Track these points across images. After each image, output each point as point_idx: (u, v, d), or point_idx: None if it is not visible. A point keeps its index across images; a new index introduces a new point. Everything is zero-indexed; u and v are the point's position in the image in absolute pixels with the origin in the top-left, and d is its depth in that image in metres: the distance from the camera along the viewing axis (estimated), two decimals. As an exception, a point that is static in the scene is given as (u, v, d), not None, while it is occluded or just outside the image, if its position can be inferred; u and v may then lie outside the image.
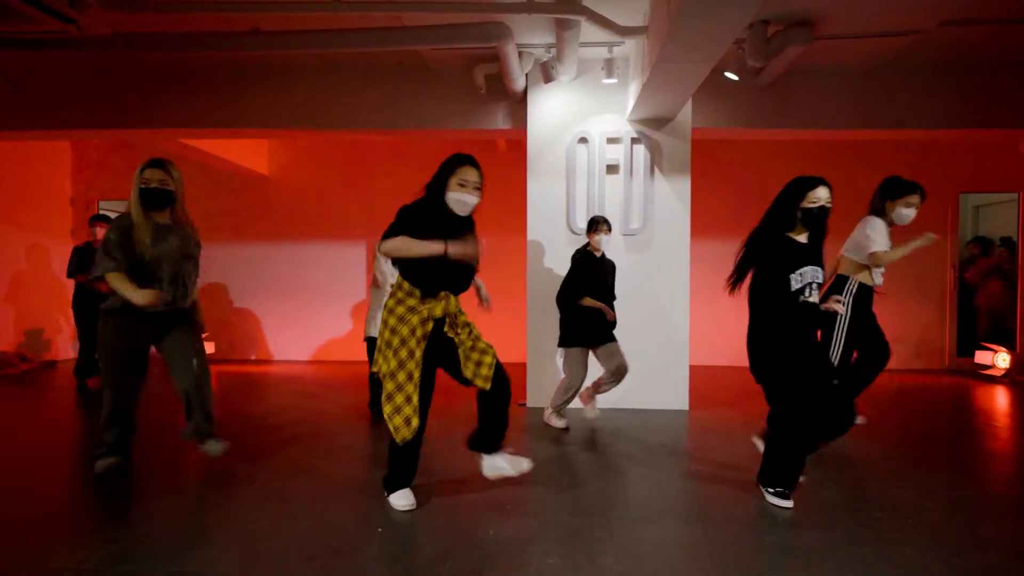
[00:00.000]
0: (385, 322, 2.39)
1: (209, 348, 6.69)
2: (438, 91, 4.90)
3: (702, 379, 5.56)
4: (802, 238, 2.56)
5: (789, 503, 2.52)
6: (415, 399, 2.36)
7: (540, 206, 4.61)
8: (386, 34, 3.73)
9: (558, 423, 3.89)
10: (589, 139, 4.54)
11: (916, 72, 4.74)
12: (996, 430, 4.05)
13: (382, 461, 2.63)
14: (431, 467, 2.93)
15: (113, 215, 6.74)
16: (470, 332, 2.49)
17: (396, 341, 2.34)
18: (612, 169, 4.55)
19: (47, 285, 6.75)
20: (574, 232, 4.55)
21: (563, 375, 3.85)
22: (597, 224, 3.72)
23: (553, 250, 4.56)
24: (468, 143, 6.27)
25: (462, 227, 2.43)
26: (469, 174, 2.39)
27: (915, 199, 3.47)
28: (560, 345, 3.82)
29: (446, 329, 2.43)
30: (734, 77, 4.27)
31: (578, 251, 3.80)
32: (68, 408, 4.70)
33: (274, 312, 7.07)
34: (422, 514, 2.46)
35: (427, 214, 2.37)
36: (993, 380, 5.69)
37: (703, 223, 6.16)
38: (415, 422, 2.37)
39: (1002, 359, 5.67)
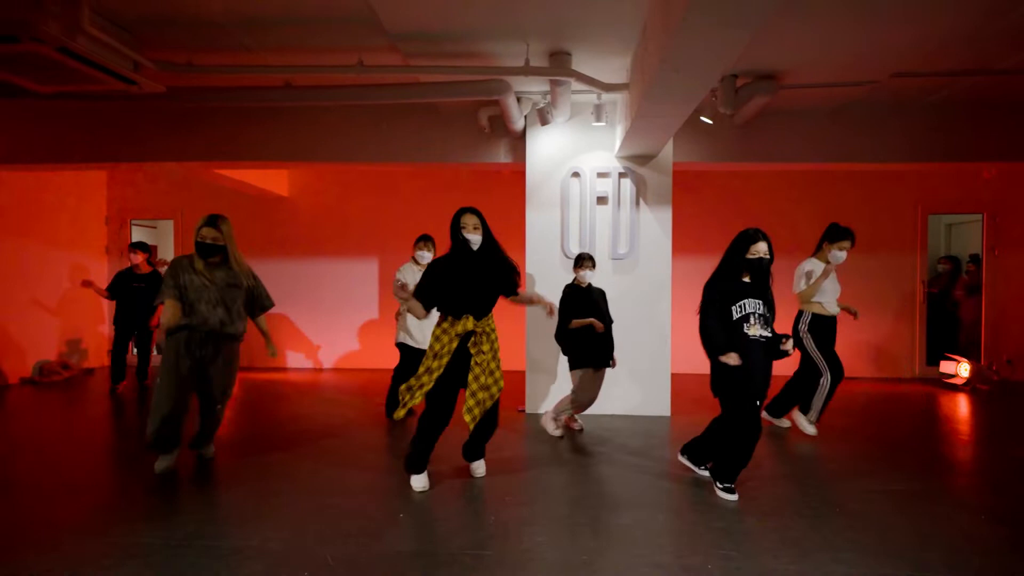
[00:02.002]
0: (432, 341, 3.11)
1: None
2: (447, 129, 5.44)
3: (685, 386, 6.08)
4: (747, 279, 3.08)
5: (734, 496, 3.08)
6: (425, 390, 3.04)
7: (537, 233, 5.14)
8: (401, 90, 4.28)
9: (554, 431, 4.25)
10: (581, 173, 5.08)
11: (877, 111, 5.25)
12: (946, 434, 4.55)
13: (399, 457, 3.18)
14: (448, 463, 3.46)
15: (145, 233, 7.35)
16: (487, 363, 3.07)
17: (431, 354, 3.06)
18: (602, 200, 5.09)
19: (85, 299, 7.33)
20: (567, 256, 5.08)
21: (572, 390, 4.21)
22: (582, 261, 4.21)
23: (549, 271, 5.09)
24: (475, 171, 6.83)
25: (481, 266, 3.08)
26: (467, 219, 3.07)
27: (846, 244, 4.16)
28: (571, 368, 4.19)
29: (469, 345, 3.04)
30: (709, 121, 4.80)
31: (567, 285, 4.29)
32: (109, 411, 5.25)
33: (293, 323, 7.62)
34: (437, 502, 2.99)
35: (444, 262, 3.11)
36: (955, 388, 6.18)
37: (689, 243, 6.70)
38: (410, 404, 3.06)
39: (964, 369, 6.15)
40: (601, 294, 4.33)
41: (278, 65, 4.05)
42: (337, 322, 7.54)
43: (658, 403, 5.05)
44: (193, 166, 5.84)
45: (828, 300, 4.20)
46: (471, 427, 3.14)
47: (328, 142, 5.52)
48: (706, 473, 3.40)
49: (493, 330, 3.14)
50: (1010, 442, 4.31)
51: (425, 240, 4.65)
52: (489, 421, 3.21)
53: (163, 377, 3.27)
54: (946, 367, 6.36)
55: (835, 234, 4.18)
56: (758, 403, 3.01)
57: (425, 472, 3.17)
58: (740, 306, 3.00)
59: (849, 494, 3.17)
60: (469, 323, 3.02)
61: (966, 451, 4.09)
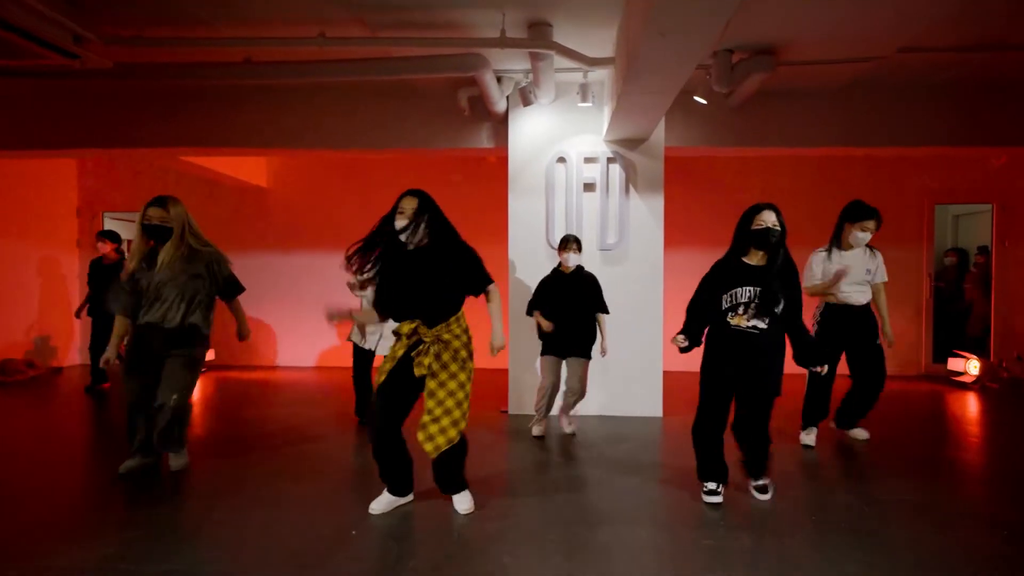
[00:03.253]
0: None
1: (210, 355, 6.94)
2: (425, 112, 5.12)
3: (678, 385, 5.77)
4: (755, 261, 2.76)
5: (712, 497, 2.85)
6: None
7: (521, 222, 4.83)
8: (369, 65, 3.96)
9: (535, 430, 4.07)
10: (567, 158, 4.76)
11: (883, 92, 4.93)
12: (957, 438, 4.24)
13: (364, 466, 2.85)
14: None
15: (118, 227, 7.03)
16: (444, 383, 2.54)
17: (388, 353, 2.65)
18: (589, 187, 4.77)
19: (54, 294, 7.02)
20: (552, 247, 4.76)
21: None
22: (566, 243, 3.92)
23: (533, 263, 4.78)
24: (460, 158, 6.51)
25: (420, 264, 2.54)
26: (405, 203, 2.56)
27: (871, 224, 3.62)
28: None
29: (412, 354, 2.56)
30: (703, 101, 4.48)
31: (552, 270, 4.03)
32: (73, 413, 4.95)
33: (272, 319, 7.31)
34: (397, 517, 2.69)
35: (377, 245, 2.62)
36: (964, 387, 5.87)
37: (682, 235, 6.38)
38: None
39: (973, 366, 5.85)
40: (591, 281, 3.98)
41: (234, 37, 3.73)
42: (318, 317, 7.21)
43: (649, 403, 4.75)
44: (161, 153, 5.53)
45: (842, 287, 3.65)
46: (432, 454, 2.59)
47: (302, 128, 5.20)
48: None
49: (459, 336, 2.59)
50: (1016, 445, 4.02)
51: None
52: (460, 450, 2.68)
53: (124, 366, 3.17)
54: (954, 364, 6.06)
55: (857, 212, 3.63)
56: (723, 399, 2.80)
57: (392, 495, 2.72)
58: (732, 295, 2.72)
59: (852, 506, 2.87)
60: (408, 327, 2.58)
61: (977, 456, 3.78)
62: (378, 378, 2.61)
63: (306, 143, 5.21)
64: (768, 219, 2.71)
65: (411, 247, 2.57)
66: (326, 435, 4.12)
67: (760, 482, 2.95)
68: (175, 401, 3.08)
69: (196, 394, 5.49)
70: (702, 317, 2.82)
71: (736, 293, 2.71)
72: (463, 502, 2.74)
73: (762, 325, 2.71)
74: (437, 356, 2.54)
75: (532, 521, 2.69)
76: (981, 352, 6.29)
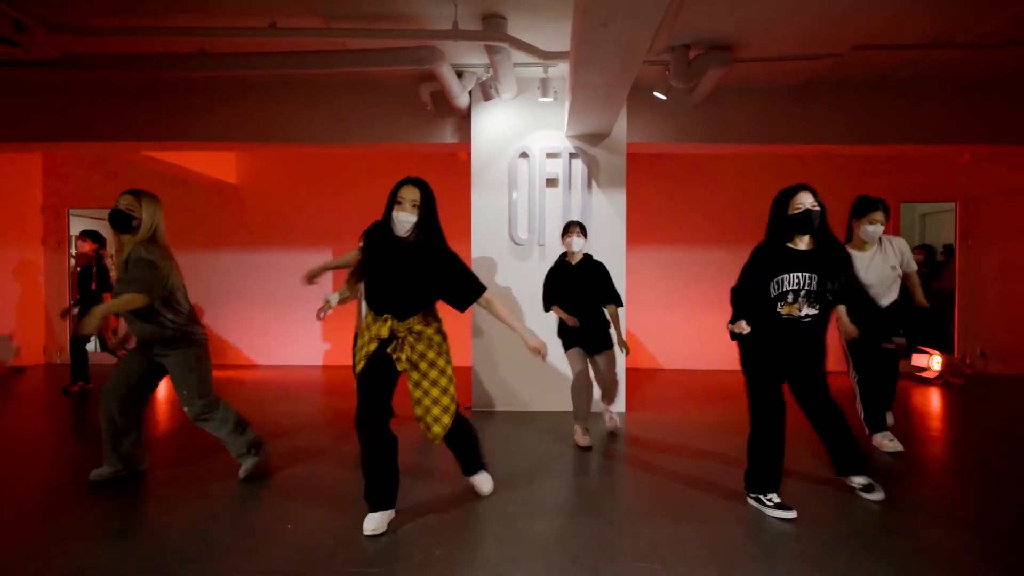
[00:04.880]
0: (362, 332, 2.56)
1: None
2: (389, 107, 5.09)
3: (641, 381, 5.78)
4: (803, 245, 2.62)
5: (785, 512, 2.56)
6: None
7: (484, 217, 4.81)
8: (325, 57, 3.92)
9: (582, 440, 3.68)
10: (530, 154, 4.75)
11: (841, 90, 4.97)
12: (913, 432, 4.28)
13: (313, 464, 2.80)
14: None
15: (89, 223, 6.91)
16: (425, 373, 2.49)
17: (358, 347, 2.52)
18: (552, 182, 4.76)
19: (17, 292, 6.89)
20: (516, 243, 4.75)
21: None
22: (568, 227, 3.69)
23: (496, 259, 4.76)
24: (432, 155, 6.48)
25: (406, 258, 2.44)
26: (406, 192, 2.42)
27: (878, 216, 3.46)
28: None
29: (389, 350, 2.46)
30: (663, 96, 4.49)
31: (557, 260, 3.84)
32: (25, 415, 4.84)
33: (243, 318, 7.22)
34: (331, 513, 2.65)
35: (372, 235, 2.50)
36: (927, 382, 5.93)
37: (645, 233, 6.41)
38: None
39: (936, 362, 5.91)
40: (601, 270, 3.74)
41: (184, 27, 3.67)
42: (288, 316, 7.15)
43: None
44: (117, 147, 5.44)
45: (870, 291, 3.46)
46: (434, 441, 2.55)
47: (263, 122, 5.14)
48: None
49: (431, 324, 2.53)
50: (977, 441, 4.05)
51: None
52: (458, 431, 2.67)
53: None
54: (918, 360, 6.12)
55: (862, 206, 3.46)
56: (779, 391, 2.63)
57: (380, 512, 2.45)
58: (778, 282, 2.57)
59: (785, 491, 2.87)
60: (384, 330, 2.43)
61: (931, 449, 3.81)
62: (357, 372, 2.51)
63: (268, 137, 5.15)
64: (806, 200, 2.56)
65: (405, 239, 2.44)
66: (286, 434, 4.06)
67: (864, 480, 2.77)
68: (194, 408, 2.95)
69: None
70: (750, 304, 2.63)
71: (783, 280, 2.56)
72: (484, 482, 2.82)
73: (814, 312, 2.59)
74: (412, 348, 2.47)
75: (472, 515, 2.66)
76: (947, 348, 6.36)
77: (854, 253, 3.38)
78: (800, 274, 2.55)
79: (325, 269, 3.30)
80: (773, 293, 2.57)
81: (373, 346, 2.46)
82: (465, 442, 2.77)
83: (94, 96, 5.08)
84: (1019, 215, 6.46)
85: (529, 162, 4.76)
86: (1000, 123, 5.02)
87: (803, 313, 2.58)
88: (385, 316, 2.45)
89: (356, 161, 7.05)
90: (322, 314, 2.94)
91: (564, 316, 3.66)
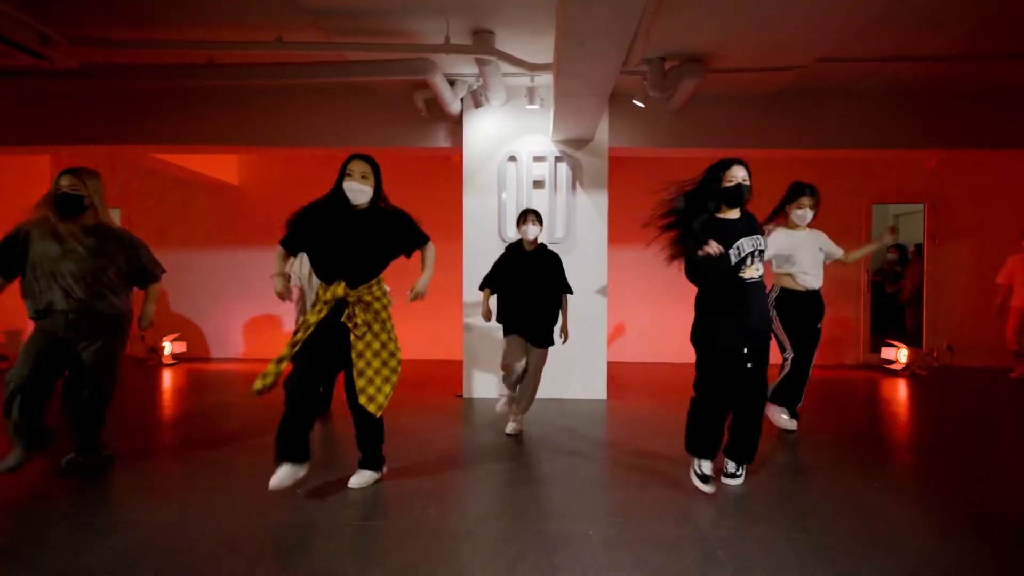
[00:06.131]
0: (313, 303, 2.71)
1: (180, 347, 7.12)
2: (385, 112, 5.38)
3: (620, 373, 6.10)
4: (732, 215, 2.72)
5: (704, 486, 2.69)
6: (282, 363, 2.58)
7: (475, 217, 5.11)
8: (326, 68, 4.22)
9: (509, 427, 3.82)
10: (518, 157, 5.06)
11: (807, 100, 5.30)
12: (873, 417, 4.61)
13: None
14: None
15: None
16: (369, 344, 2.64)
17: (302, 320, 2.66)
18: (538, 184, 5.07)
19: None
20: (505, 241, 5.06)
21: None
22: (524, 215, 3.71)
23: (486, 257, 5.02)
24: (425, 158, 6.77)
25: (357, 225, 2.65)
26: (355, 166, 2.69)
27: (805, 200, 3.64)
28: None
29: (344, 319, 2.64)
30: (641, 104, 4.81)
31: (509, 244, 3.88)
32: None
33: (243, 315, 7.50)
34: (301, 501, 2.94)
35: (322, 207, 2.71)
36: (895, 373, 6.27)
37: (627, 233, 6.73)
38: (269, 378, 2.58)
39: (902, 354, 6.25)
40: (554, 259, 3.76)
41: (197, 40, 3.97)
42: (289, 312, 7.43)
43: (594, 387, 5.05)
44: (127, 149, 5.72)
45: (801, 272, 3.67)
46: (374, 413, 2.67)
47: (266, 127, 5.43)
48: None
49: (379, 299, 2.72)
50: (928, 423, 4.39)
51: None
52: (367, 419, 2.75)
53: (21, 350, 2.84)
54: (887, 353, 6.46)
55: (790, 193, 3.68)
56: (748, 359, 2.66)
57: (290, 464, 2.57)
58: (738, 247, 2.63)
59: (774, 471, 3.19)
60: (339, 290, 2.61)
61: (888, 431, 4.14)
62: (294, 346, 2.59)
63: (271, 141, 5.44)
64: (739, 175, 2.66)
65: (353, 208, 2.67)
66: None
67: (739, 468, 2.88)
68: (101, 395, 2.92)
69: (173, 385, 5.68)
70: (708, 272, 2.64)
71: (742, 245, 2.63)
72: (360, 478, 2.82)
73: (760, 273, 2.72)
74: (373, 313, 2.68)
75: (456, 478, 2.96)
76: (916, 342, 6.72)
77: (790, 232, 3.69)
78: (748, 238, 2.65)
79: (280, 271, 2.88)
80: (734, 259, 2.61)
81: (324, 312, 2.61)
82: (364, 427, 2.80)
83: (105, 102, 5.35)
84: (984, 216, 6.82)
85: (517, 165, 5.07)
86: (959, 129, 5.36)
87: (759, 275, 2.70)
88: (336, 282, 2.63)
89: (354, 163, 7.32)
90: (286, 294, 2.83)
91: (485, 304, 3.72)
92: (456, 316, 5.55)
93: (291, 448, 2.59)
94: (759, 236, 2.71)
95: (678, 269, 2.75)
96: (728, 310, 2.67)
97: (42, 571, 2.03)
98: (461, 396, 5.10)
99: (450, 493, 2.82)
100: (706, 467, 2.75)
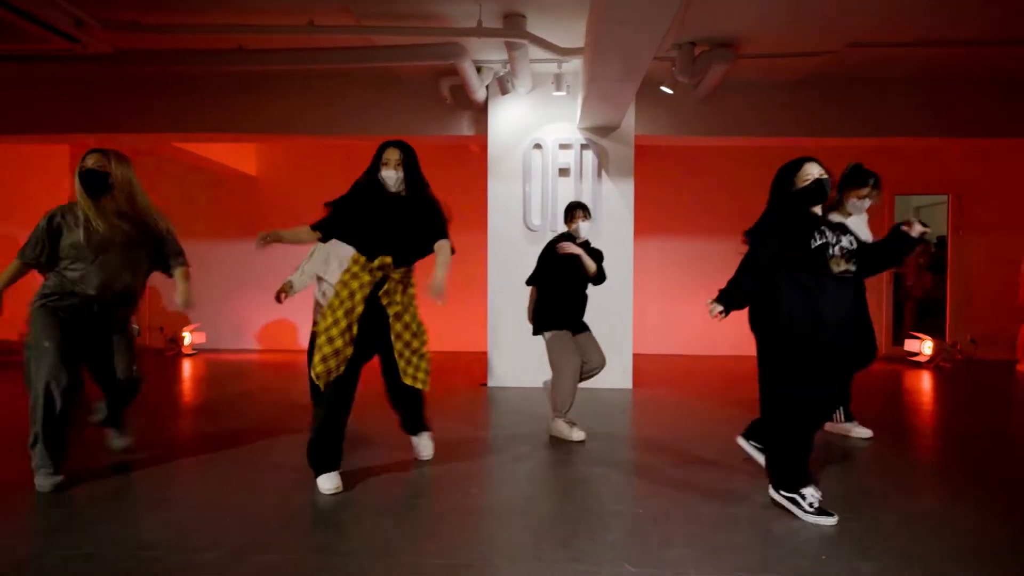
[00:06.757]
0: (336, 293, 2.62)
1: (200, 338, 7.13)
2: (409, 100, 5.37)
3: (646, 365, 6.08)
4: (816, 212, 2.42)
5: (827, 519, 2.23)
6: (343, 349, 2.49)
7: (499, 206, 5.09)
8: (353, 53, 4.21)
9: (575, 435, 3.38)
10: (543, 145, 5.04)
11: (837, 87, 5.25)
12: (898, 407, 4.57)
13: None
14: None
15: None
16: (408, 324, 2.66)
17: (336, 302, 2.59)
18: (564, 172, 5.05)
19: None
20: (530, 229, 5.04)
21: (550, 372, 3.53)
22: (572, 212, 3.53)
23: (511, 245, 5.04)
24: (444, 147, 6.76)
25: (398, 208, 2.64)
26: (389, 154, 2.68)
27: (864, 191, 3.31)
28: (536, 332, 3.55)
29: (380, 294, 2.58)
30: (669, 91, 4.78)
31: (555, 237, 3.62)
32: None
33: (259, 305, 7.50)
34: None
35: (357, 196, 2.70)
36: (919, 366, 6.22)
37: (651, 224, 6.69)
38: (332, 364, 2.48)
39: (927, 347, 6.20)
40: (598, 256, 3.59)
41: (227, 24, 3.96)
42: (306, 302, 7.41)
43: (620, 377, 5.02)
44: (148, 138, 5.73)
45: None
46: (423, 389, 2.74)
47: (290, 115, 5.43)
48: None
49: (412, 286, 2.72)
50: (949, 419, 4.34)
51: None
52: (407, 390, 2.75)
53: (35, 351, 2.56)
54: (911, 345, 6.41)
55: (851, 178, 3.27)
56: (831, 369, 2.34)
57: (332, 472, 2.53)
58: (820, 231, 2.33)
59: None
60: (387, 259, 2.55)
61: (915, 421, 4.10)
62: (344, 333, 2.49)
63: (294, 129, 5.44)
64: (814, 171, 2.38)
65: (392, 194, 2.65)
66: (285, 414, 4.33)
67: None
68: (133, 377, 2.80)
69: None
70: (760, 276, 2.39)
71: (825, 231, 2.34)
72: (426, 446, 2.93)
73: (854, 269, 2.36)
74: (409, 297, 2.68)
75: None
76: (940, 335, 6.66)
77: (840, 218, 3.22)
78: (833, 232, 2.35)
79: (279, 238, 2.92)
80: (818, 241, 2.30)
81: (368, 291, 2.53)
82: (411, 401, 2.85)
83: (127, 90, 5.36)
84: (1008, 208, 6.74)
85: (543, 153, 5.04)
86: (989, 117, 5.30)
87: (849, 267, 2.33)
88: (380, 257, 2.56)
89: (367, 152, 7.28)
90: (283, 296, 2.91)
91: (531, 303, 3.55)
92: (480, 306, 5.52)
93: (333, 458, 2.56)
94: (847, 234, 2.41)
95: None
96: (808, 304, 2.33)
97: (99, 542, 2.01)
98: (486, 385, 5.09)
99: (491, 475, 2.81)
100: (814, 495, 2.29)
